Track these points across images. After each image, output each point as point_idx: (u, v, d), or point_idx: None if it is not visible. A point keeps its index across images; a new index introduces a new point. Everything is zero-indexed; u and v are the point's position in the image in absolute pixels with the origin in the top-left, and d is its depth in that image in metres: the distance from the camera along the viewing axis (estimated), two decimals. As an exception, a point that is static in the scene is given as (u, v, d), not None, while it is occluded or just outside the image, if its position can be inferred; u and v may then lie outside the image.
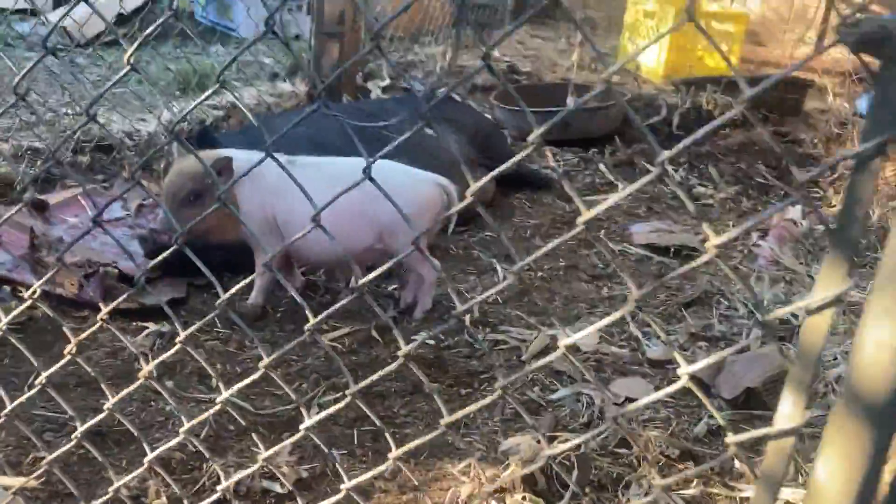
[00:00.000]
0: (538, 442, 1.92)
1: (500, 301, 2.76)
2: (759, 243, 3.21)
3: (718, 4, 6.37)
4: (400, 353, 1.16)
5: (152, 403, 2.18)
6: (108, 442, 2.02)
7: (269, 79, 4.73)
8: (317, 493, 1.90)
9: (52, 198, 3.03)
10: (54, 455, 1.57)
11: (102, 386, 1.55)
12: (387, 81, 5.10)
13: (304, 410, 1.39)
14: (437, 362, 2.40)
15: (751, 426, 2.10)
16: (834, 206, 3.66)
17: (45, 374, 1.55)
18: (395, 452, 1.22)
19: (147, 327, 2.52)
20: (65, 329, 1.57)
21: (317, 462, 1.99)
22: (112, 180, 3.47)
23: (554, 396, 2.26)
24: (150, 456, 1.50)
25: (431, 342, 2.48)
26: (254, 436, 1.72)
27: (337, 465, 1.75)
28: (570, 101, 4.74)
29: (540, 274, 2.99)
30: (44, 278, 1.48)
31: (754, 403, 2.17)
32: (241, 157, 2.44)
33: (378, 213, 2.47)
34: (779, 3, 6.84)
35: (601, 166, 4.06)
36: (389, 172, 2.56)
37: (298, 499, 1.44)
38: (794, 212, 3.55)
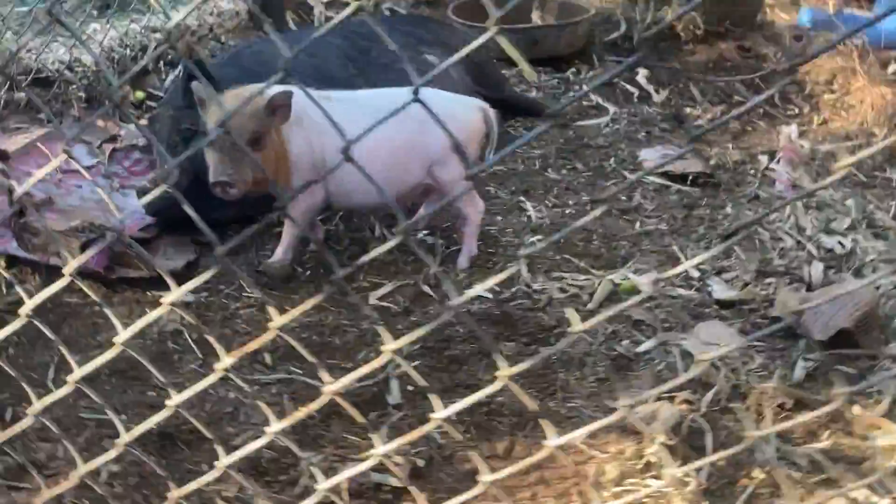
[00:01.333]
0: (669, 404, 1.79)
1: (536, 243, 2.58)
2: (772, 167, 3.14)
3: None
4: (451, 304, 0.95)
5: (210, 391, 1.89)
6: (178, 444, 1.73)
7: (203, -5, 4.20)
8: (432, 481, 1.70)
9: (6, 145, 2.57)
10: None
11: (157, 375, 1.25)
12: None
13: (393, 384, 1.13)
14: (504, 318, 2.20)
15: (853, 366, 2.03)
16: (820, 123, 3.64)
17: (81, 371, 1.23)
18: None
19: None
20: (107, 311, 1.28)
21: (421, 446, 1.78)
22: (59, 120, 2.99)
23: (641, 349, 2.12)
24: (227, 461, 1.21)
25: (489, 295, 2.28)
26: (351, 420, 1.49)
27: (473, 456, 1.55)
28: (535, 17, 4.49)
29: (567, 210, 2.81)
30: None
31: (845, 343, 2.10)
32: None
33: (429, 142, 2.24)
34: None
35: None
36: (434, 98, 2.29)
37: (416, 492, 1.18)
38: (786, 131, 3.50)
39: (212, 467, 1.21)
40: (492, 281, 1.05)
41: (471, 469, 1.64)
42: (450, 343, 2.10)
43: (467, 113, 2.35)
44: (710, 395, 1.90)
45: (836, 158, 3.26)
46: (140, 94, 3.26)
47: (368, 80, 2.76)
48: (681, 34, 4.51)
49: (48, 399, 1.29)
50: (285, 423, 1.17)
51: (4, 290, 2.12)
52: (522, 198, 2.86)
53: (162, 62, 3.53)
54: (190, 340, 2.04)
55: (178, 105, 2.39)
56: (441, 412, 1.05)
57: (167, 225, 2.36)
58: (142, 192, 2.34)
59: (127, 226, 2.26)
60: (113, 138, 2.90)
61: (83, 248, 2.13)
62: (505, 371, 0.99)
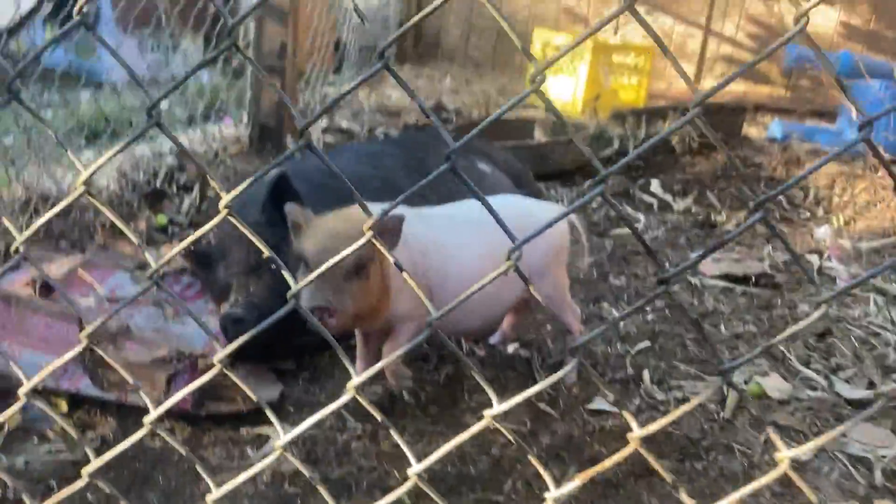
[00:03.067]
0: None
1: (632, 352, 2.40)
2: (829, 265, 3.09)
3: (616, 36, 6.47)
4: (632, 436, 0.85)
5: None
6: None
7: (201, 120, 4.03)
8: None
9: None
10: None
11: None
12: (324, 123, 4.58)
13: None
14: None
15: None
16: (846, 223, 3.67)
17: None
18: None
19: (263, 434, 1.89)
20: (198, 468, 1.07)
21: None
22: (78, 248, 2.70)
23: (804, 457, 1.93)
24: None
25: (614, 409, 2.07)
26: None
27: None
28: (539, 135, 4.50)
29: (650, 317, 2.66)
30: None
31: None
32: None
33: (528, 255, 2.05)
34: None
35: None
36: (524, 208, 2.15)
37: None
38: (821, 232, 3.51)
39: None
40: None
41: None
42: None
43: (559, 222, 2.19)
44: (909, 500, 1.72)
45: (881, 254, 3.26)
46: (162, 220, 3.01)
47: (434, 191, 2.61)
48: (675, 147, 4.58)
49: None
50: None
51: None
52: (594, 307, 2.71)
53: (175, 186, 3.31)
54: (312, 482, 1.73)
55: (258, 222, 2.16)
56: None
57: (243, 353, 2.08)
58: (236, 321, 2.06)
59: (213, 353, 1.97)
60: (143, 266, 2.63)
61: (169, 382, 1.83)
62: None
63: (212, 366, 1.77)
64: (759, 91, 6.72)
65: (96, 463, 1.05)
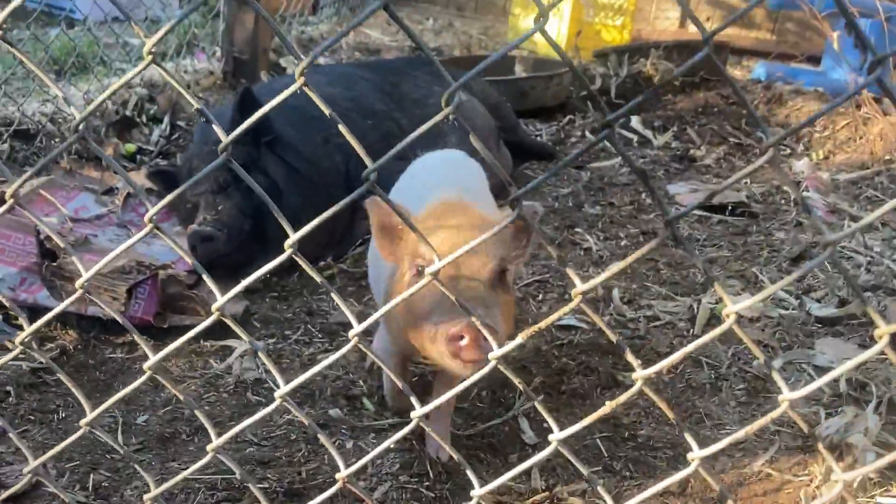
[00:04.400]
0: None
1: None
2: (806, 195, 3.08)
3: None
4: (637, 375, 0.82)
5: (292, 435, 1.57)
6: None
7: (175, 54, 3.95)
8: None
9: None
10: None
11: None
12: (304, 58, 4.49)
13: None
14: (611, 347, 1.98)
15: None
16: (824, 157, 3.64)
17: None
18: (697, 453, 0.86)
19: (229, 346, 1.87)
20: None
21: (574, 484, 1.51)
22: (46, 173, 2.65)
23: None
24: None
25: (584, 325, 2.06)
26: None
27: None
28: (519, 70, 4.43)
29: (623, 242, 2.64)
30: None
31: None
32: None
33: None
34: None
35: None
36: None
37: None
38: (800, 165, 3.48)
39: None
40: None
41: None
42: (563, 376, 1.86)
43: None
44: (872, 405, 1.72)
45: (859, 185, 3.25)
46: (131, 148, 2.95)
47: (405, 114, 2.57)
48: (657, 85, 4.53)
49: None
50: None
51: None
52: (568, 233, 2.69)
53: (145, 116, 3.25)
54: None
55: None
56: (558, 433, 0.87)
57: (212, 269, 2.05)
58: (205, 238, 2.03)
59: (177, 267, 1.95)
60: (110, 190, 2.59)
61: (129, 292, 1.80)
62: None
63: (172, 278, 1.75)
64: (744, 35, 6.64)
65: (28, 330, 1.02)
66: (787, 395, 0.84)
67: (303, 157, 2.29)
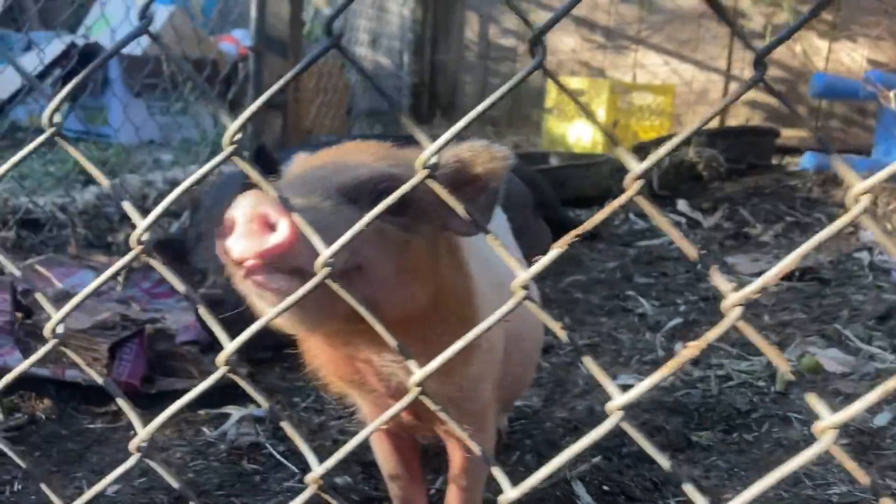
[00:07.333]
0: None
1: (660, 336, 2.09)
2: (882, 258, 2.77)
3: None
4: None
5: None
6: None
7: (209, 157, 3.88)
8: None
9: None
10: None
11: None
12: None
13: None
14: (680, 407, 1.67)
15: None
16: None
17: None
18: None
19: (225, 413, 1.60)
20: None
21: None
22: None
23: (877, 423, 1.59)
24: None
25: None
26: None
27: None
28: (554, 161, 4.28)
29: (681, 308, 2.35)
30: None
31: None
32: None
33: None
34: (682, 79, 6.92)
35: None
36: None
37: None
38: (868, 235, 3.20)
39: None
40: (660, 374, 0.61)
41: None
42: (624, 437, 1.55)
43: None
44: None
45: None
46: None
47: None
48: (703, 174, 4.33)
49: None
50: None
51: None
52: (618, 301, 2.41)
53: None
54: (277, 455, 1.43)
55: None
56: None
57: (217, 343, 1.82)
58: (214, 304, 1.81)
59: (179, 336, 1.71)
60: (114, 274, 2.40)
61: (112, 351, 1.56)
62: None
63: (161, 332, 1.51)
64: (788, 134, 6.48)
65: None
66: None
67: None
